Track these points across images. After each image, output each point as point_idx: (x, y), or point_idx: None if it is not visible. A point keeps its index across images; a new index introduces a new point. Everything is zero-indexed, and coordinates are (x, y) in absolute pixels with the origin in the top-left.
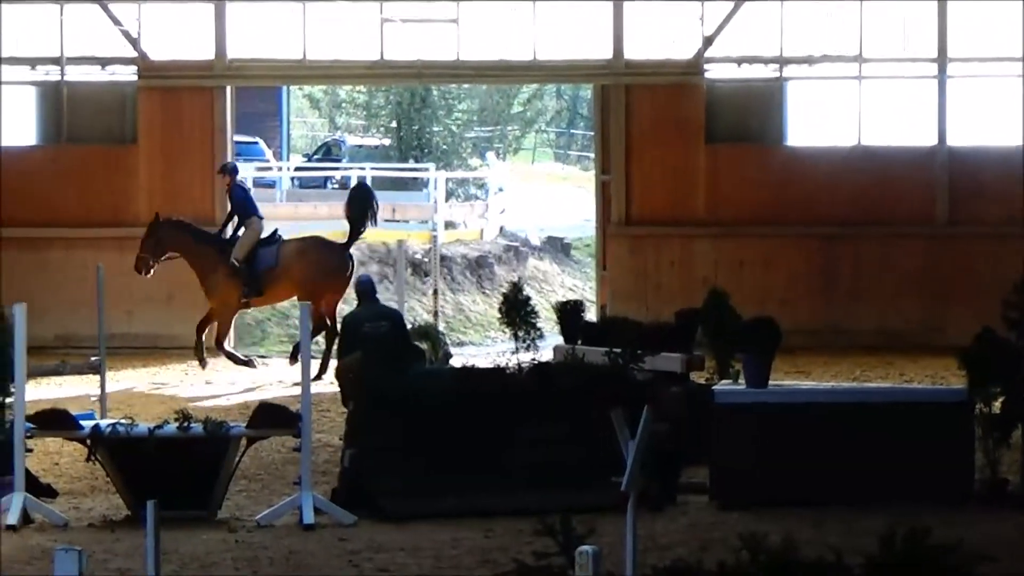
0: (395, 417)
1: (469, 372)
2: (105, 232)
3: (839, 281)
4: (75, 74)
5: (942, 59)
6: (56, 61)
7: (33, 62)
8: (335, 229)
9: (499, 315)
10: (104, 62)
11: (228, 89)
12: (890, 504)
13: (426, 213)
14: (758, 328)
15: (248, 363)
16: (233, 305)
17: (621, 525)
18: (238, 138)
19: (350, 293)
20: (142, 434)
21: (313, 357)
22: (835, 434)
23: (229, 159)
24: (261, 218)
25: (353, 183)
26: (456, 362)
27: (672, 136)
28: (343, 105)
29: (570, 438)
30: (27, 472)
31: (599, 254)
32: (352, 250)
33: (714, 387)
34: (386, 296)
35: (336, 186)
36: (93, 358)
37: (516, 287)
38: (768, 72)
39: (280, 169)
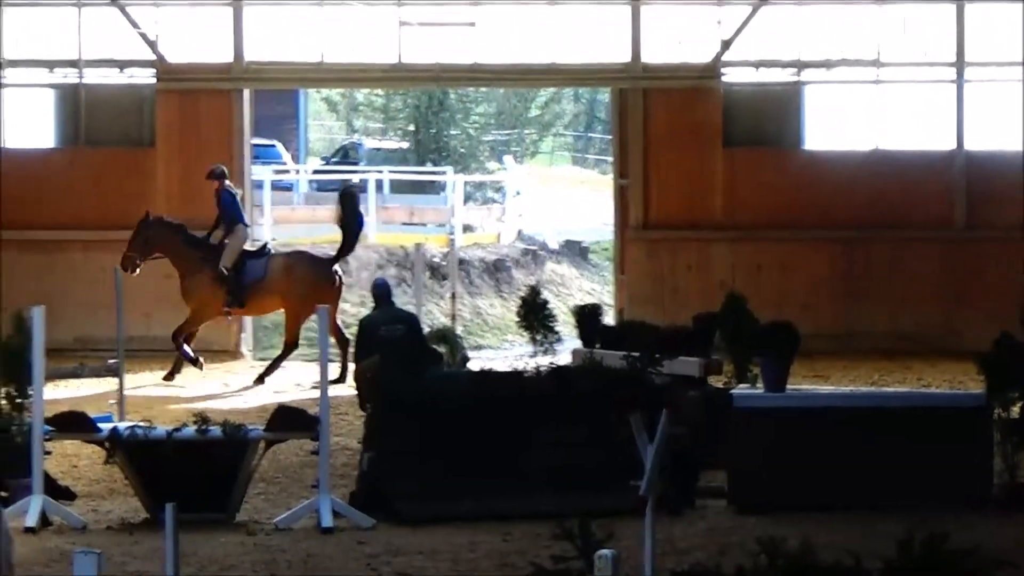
0: (413, 420)
1: (487, 376)
2: (123, 235)
3: (857, 285)
4: (93, 77)
5: (960, 63)
6: (74, 64)
7: (51, 65)
8: None
9: (517, 319)
10: (122, 65)
11: (246, 92)
12: (908, 508)
13: (444, 216)
14: (776, 332)
15: (196, 362)
16: (211, 311)
17: (639, 529)
18: (256, 141)
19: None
20: (160, 437)
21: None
22: (853, 438)
23: (246, 162)
24: (247, 226)
25: (371, 186)
26: (474, 366)
27: (690, 140)
28: (361, 108)
29: (588, 442)
30: (45, 474)
31: (617, 258)
32: (368, 254)
33: (732, 391)
34: (404, 300)
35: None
36: (111, 361)
37: (534, 291)
38: (786, 76)
39: (298, 172)
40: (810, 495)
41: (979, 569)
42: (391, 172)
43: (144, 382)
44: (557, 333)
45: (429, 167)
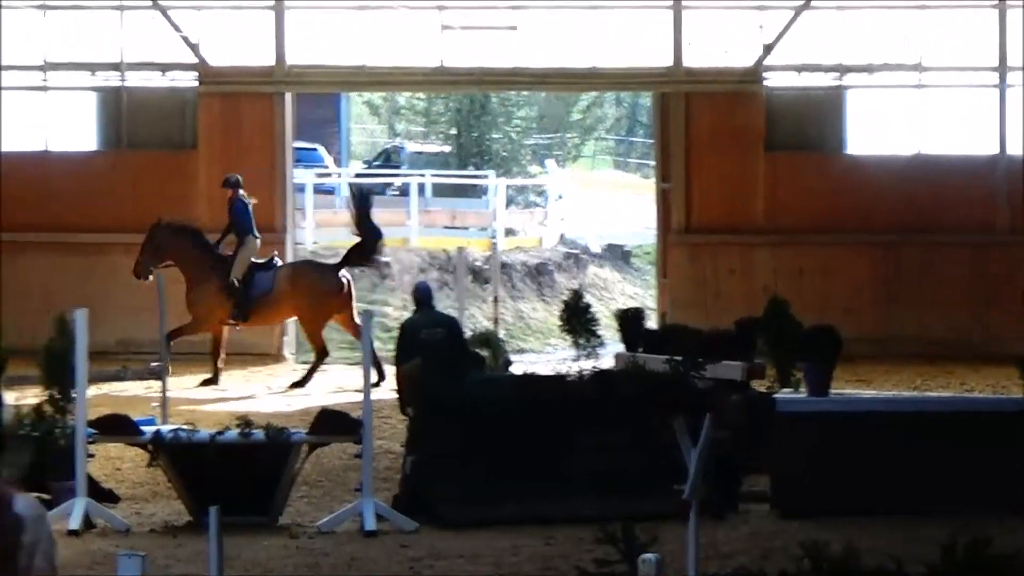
0: (455, 424)
1: (529, 379)
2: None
3: (899, 289)
4: (135, 80)
5: (1002, 67)
6: (116, 67)
7: (93, 68)
8: (395, 236)
9: (559, 322)
10: (164, 68)
11: (288, 95)
12: (951, 513)
13: (486, 220)
14: (819, 336)
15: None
16: (213, 321)
17: (682, 533)
18: (298, 144)
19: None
20: (203, 440)
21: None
22: (896, 443)
23: (288, 165)
24: (256, 237)
25: (413, 190)
26: (516, 369)
27: (732, 144)
28: (403, 112)
29: (631, 445)
30: (89, 477)
31: (659, 262)
32: (410, 257)
33: (775, 395)
34: (446, 303)
35: (396, 193)
36: (154, 364)
37: (576, 294)
38: (828, 80)
39: (340, 176)
40: (853, 499)
41: (1022, 574)
42: (433, 176)
43: (187, 385)
44: (599, 337)
45: (471, 171)
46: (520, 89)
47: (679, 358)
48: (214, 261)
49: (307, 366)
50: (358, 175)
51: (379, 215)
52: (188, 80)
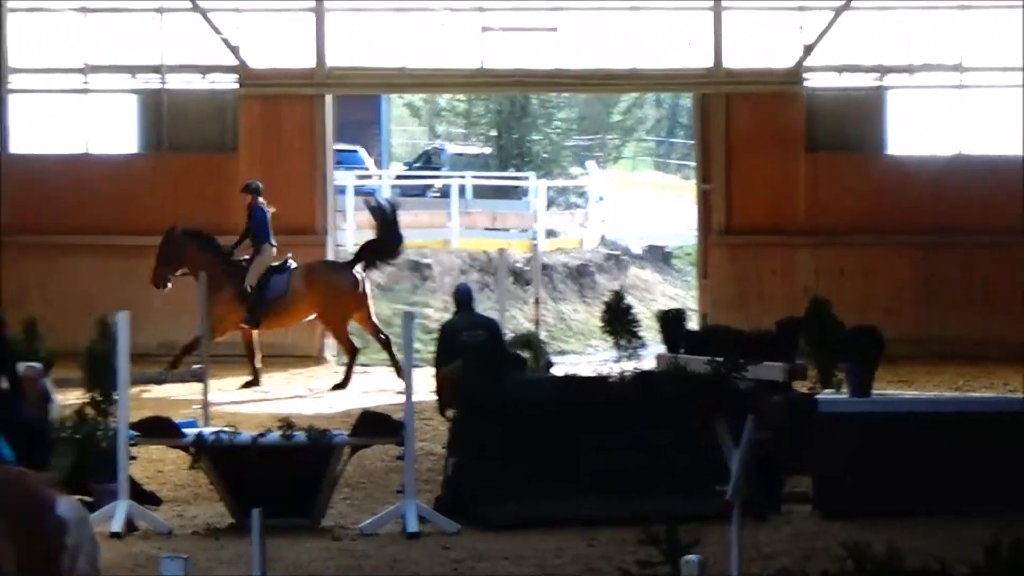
0: (497, 426)
1: (571, 381)
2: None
3: (941, 290)
4: (176, 82)
5: None
6: (157, 69)
7: (134, 70)
8: (436, 237)
9: (600, 324)
10: (204, 70)
11: (328, 97)
12: (993, 513)
13: (527, 222)
14: (860, 337)
15: (163, 380)
16: (225, 327)
17: (725, 534)
18: (338, 146)
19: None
20: (245, 442)
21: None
22: (938, 443)
23: (329, 167)
24: (273, 245)
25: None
26: (557, 371)
27: (772, 145)
28: (443, 113)
29: (673, 447)
30: (131, 479)
31: (700, 263)
32: (451, 259)
33: (817, 396)
34: (487, 305)
35: (436, 195)
36: (196, 366)
37: (618, 296)
38: (868, 81)
39: (380, 177)
40: (895, 500)
41: None
42: (474, 177)
43: (228, 387)
44: (641, 338)
45: (512, 172)
46: (560, 91)
47: (721, 359)
48: (228, 267)
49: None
50: (398, 177)
51: (420, 217)
52: (228, 82)
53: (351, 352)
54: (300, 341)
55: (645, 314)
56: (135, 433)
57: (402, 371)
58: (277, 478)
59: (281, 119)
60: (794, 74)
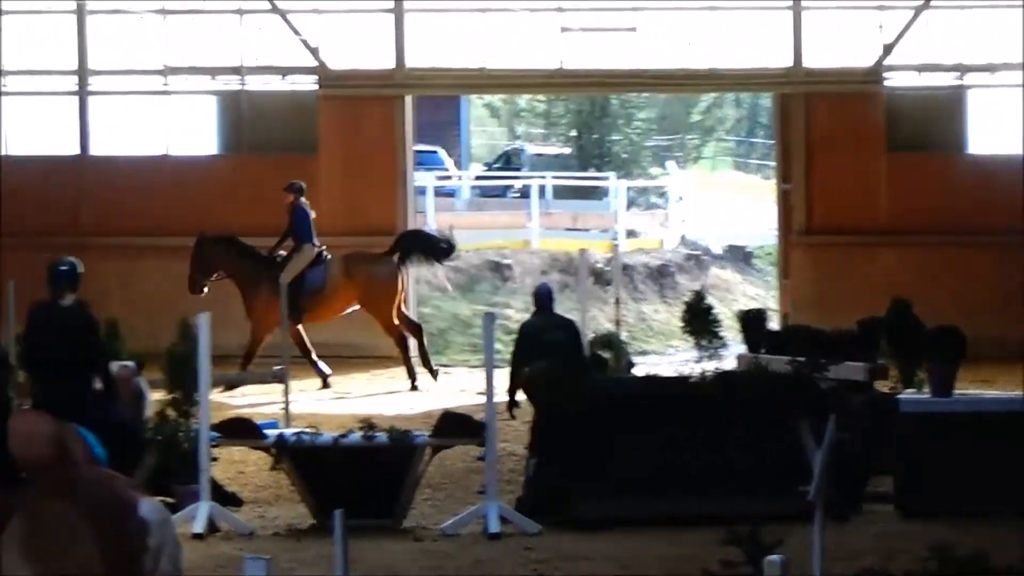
0: (579, 426)
1: (652, 381)
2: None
3: (1022, 289)
4: (255, 84)
5: None
6: (236, 71)
7: (213, 72)
8: (516, 238)
9: (681, 324)
10: (284, 72)
11: (408, 98)
12: None
13: (607, 222)
14: (942, 337)
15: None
16: (267, 327)
17: (807, 534)
18: (418, 147)
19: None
20: (327, 443)
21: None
22: (1020, 443)
23: (409, 168)
24: (315, 246)
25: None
26: (638, 371)
27: (852, 145)
28: (523, 114)
29: (755, 447)
30: (212, 481)
31: (780, 263)
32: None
33: (898, 396)
34: (568, 305)
35: (516, 195)
36: (277, 367)
37: (698, 296)
38: (948, 80)
39: (460, 178)
40: (977, 499)
41: None
42: (554, 178)
43: (309, 388)
44: (722, 338)
45: (592, 173)
46: (640, 91)
47: (802, 359)
48: (262, 266)
49: (430, 370)
50: (478, 177)
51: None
52: (308, 84)
53: (400, 341)
54: (381, 342)
55: (726, 314)
56: (216, 434)
57: (430, 369)
58: (358, 479)
59: (361, 120)
60: (874, 73)
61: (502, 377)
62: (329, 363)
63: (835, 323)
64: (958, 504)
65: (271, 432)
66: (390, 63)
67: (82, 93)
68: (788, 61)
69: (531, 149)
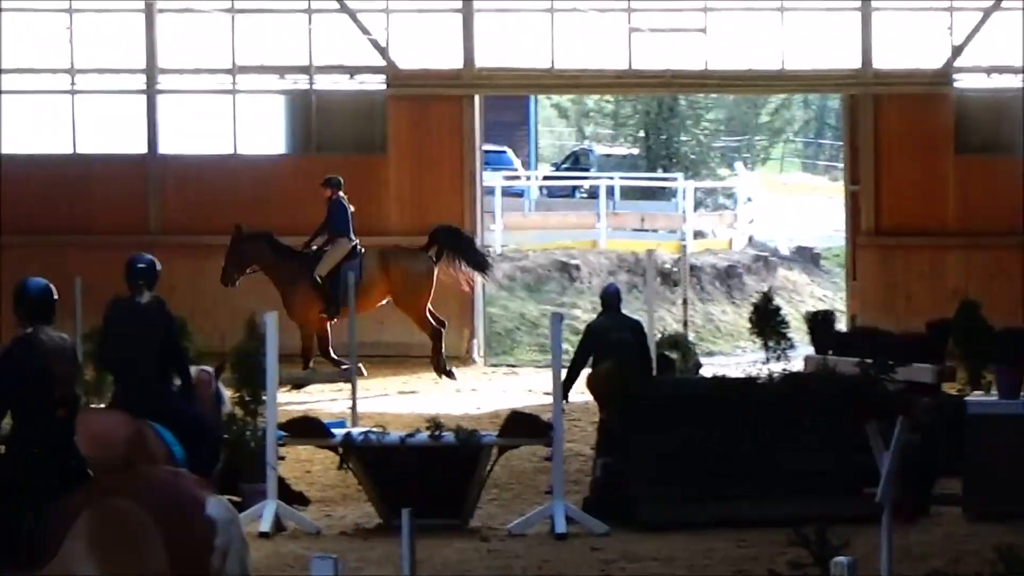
0: (647, 426)
1: (721, 381)
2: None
3: None
4: (323, 83)
5: None
6: (305, 70)
7: (282, 71)
8: (584, 238)
9: (749, 325)
10: (352, 71)
11: (476, 98)
12: None
13: (675, 223)
14: (1010, 339)
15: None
16: (313, 321)
17: (874, 536)
18: (487, 147)
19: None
20: (394, 442)
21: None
22: None
23: (478, 168)
24: (351, 240)
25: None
26: (706, 372)
27: (921, 146)
28: (591, 114)
29: (823, 448)
30: (279, 480)
31: (849, 264)
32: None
33: (966, 398)
34: (635, 306)
35: (584, 195)
36: (344, 367)
37: (766, 297)
38: (1018, 82)
39: (528, 178)
40: None
41: None
42: (622, 178)
43: (376, 388)
44: (789, 340)
45: (660, 173)
46: (709, 91)
47: (870, 361)
48: (295, 262)
49: (497, 368)
50: (547, 177)
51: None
52: (377, 83)
53: (435, 334)
54: (448, 342)
55: (793, 315)
56: (284, 433)
57: (446, 368)
58: (425, 478)
59: (430, 120)
60: (943, 75)
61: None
62: (398, 362)
63: (903, 325)
64: None
65: (338, 431)
66: (459, 63)
67: (150, 92)
68: (857, 62)
69: (599, 149)
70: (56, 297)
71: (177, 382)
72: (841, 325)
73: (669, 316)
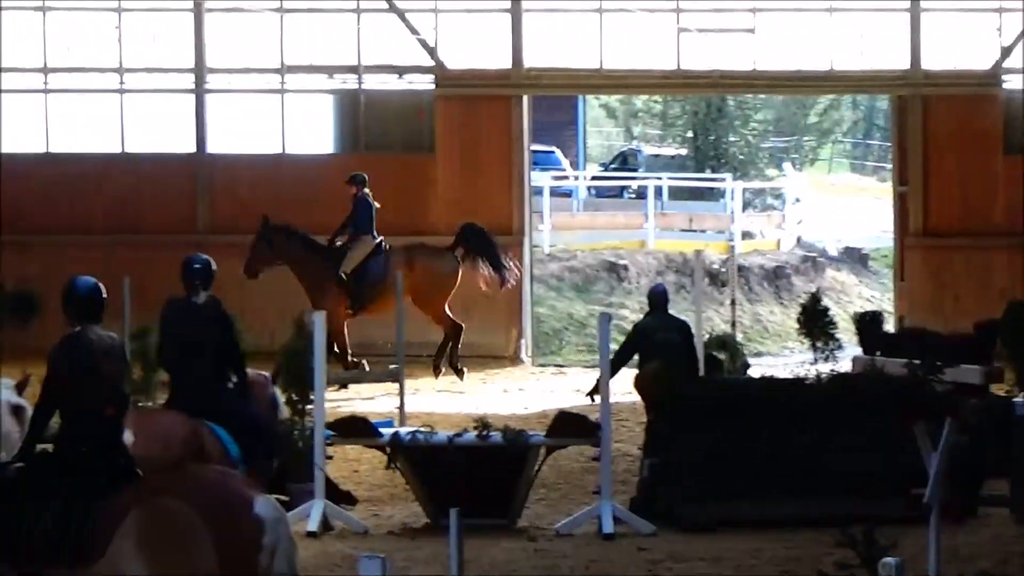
0: (695, 426)
1: (769, 382)
2: (404, 241)
3: None
4: (372, 83)
5: None
6: (353, 70)
7: (331, 71)
8: (632, 239)
9: (797, 325)
10: (401, 71)
11: (525, 98)
12: None
13: (723, 223)
14: None
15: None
16: (340, 318)
17: (922, 537)
18: (535, 147)
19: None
20: (441, 442)
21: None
22: None
23: (526, 168)
24: (375, 238)
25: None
26: (754, 372)
27: (969, 147)
28: (639, 114)
29: (870, 449)
30: (327, 479)
31: (897, 265)
32: (647, 260)
33: (1015, 399)
34: (683, 306)
35: (633, 196)
36: (392, 366)
37: (814, 298)
38: None
39: (577, 178)
40: None
41: None
42: (670, 179)
43: (424, 387)
44: (838, 340)
45: (708, 174)
46: (757, 92)
47: (918, 362)
48: (322, 258)
49: (545, 368)
50: (595, 177)
51: (616, 218)
52: (425, 83)
53: (454, 331)
54: (495, 341)
55: (841, 316)
56: (332, 433)
57: (457, 368)
58: (473, 478)
59: (478, 120)
60: (991, 76)
61: (617, 377)
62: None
63: (950, 326)
64: None
65: (386, 431)
66: (507, 63)
67: (199, 91)
68: (906, 63)
69: (647, 150)
70: (105, 296)
71: (233, 380)
72: (889, 326)
73: (717, 316)
